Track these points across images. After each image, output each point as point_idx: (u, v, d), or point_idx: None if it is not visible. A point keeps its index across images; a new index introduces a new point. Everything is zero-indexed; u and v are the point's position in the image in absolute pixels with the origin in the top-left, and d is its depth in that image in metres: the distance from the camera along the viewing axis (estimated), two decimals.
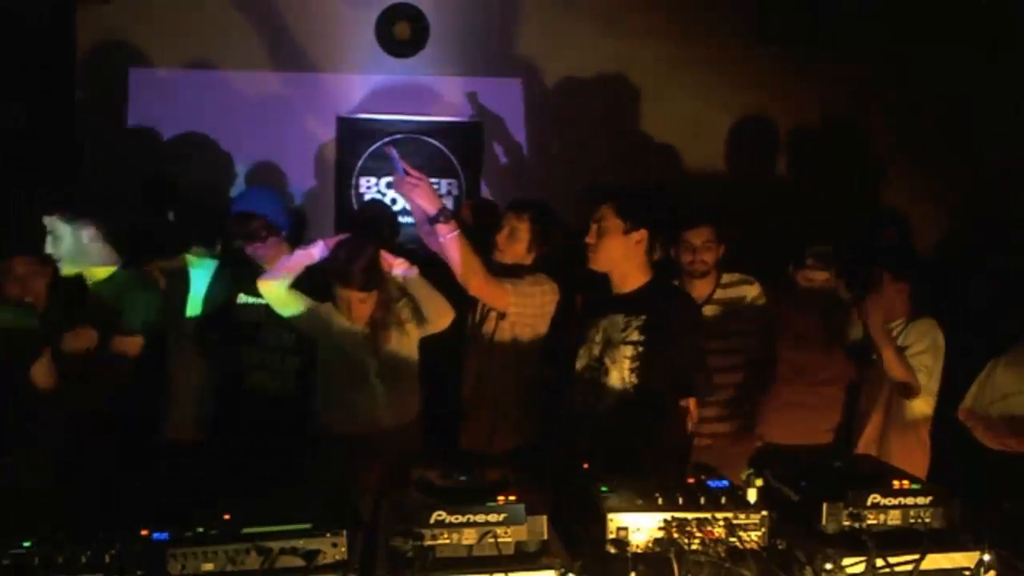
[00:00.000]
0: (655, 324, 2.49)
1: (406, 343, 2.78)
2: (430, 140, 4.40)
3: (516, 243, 2.96)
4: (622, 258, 2.56)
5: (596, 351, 2.56)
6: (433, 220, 2.65)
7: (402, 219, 4.70)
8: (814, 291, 3.40)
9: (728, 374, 3.14)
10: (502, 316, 2.83)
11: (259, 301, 2.89)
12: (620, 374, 2.50)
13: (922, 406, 3.10)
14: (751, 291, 3.21)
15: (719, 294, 3.19)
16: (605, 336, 2.54)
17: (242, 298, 2.96)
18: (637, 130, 4.94)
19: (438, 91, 4.83)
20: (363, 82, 4.78)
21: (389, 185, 4.78)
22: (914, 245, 4.27)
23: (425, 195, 2.63)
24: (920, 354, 3.07)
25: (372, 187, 4.77)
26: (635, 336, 2.49)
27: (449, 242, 2.64)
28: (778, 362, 3.24)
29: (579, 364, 2.61)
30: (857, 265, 3.27)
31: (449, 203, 4.55)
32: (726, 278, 3.22)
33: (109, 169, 4.54)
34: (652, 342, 2.48)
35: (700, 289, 3.18)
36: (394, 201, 4.77)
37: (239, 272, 3.01)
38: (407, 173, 2.63)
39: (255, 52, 4.68)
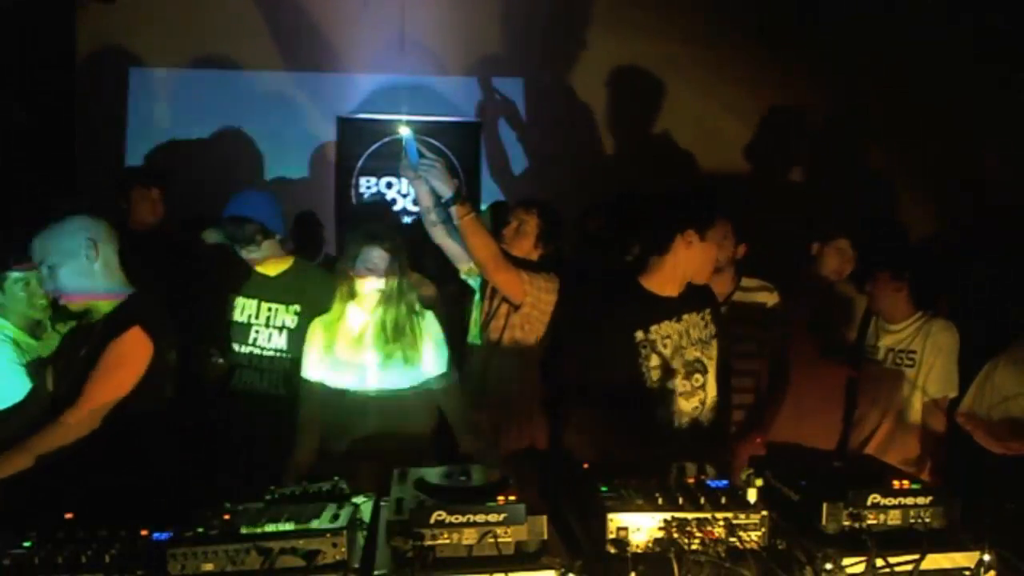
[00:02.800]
0: (716, 311, 2.63)
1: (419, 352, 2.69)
2: (430, 140, 4.40)
3: (523, 238, 2.95)
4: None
5: (691, 355, 2.49)
6: (449, 202, 2.63)
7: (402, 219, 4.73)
8: (817, 286, 3.41)
9: (744, 378, 3.13)
10: (515, 309, 2.80)
11: (250, 301, 2.93)
12: (714, 368, 2.57)
13: (941, 393, 3.06)
14: (770, 298, 3.16)
15: (738, 296, 3.15)
16: (694, 337, 2.51)
17: (237, 300, 2.97)
18: (638, 129, 4.95)
19: (438, 91, 4.83)
20: (363, 82, 4.79)
21: (389, 185, 4.79)
22: (912, 243, 4.27)
23: (441, 176, 2.62)
24: (941, 362, 3.04)
25: (372, 187, 4.78)
26: (713, 329, 2.58)
27: (465, 224, 2.61)
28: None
29: (672, 373, 2.48)
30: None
31: None
32: (746, 282, 3.18)
33: (109, 169, 4.55)
34: (722, 328, 2.63)
35: (718, 287, 3.15)
36: (393, 201, 4.78)
37: (230, 273, 3.01)
38: (422, 156, 2.61)
39: (255, 52, 4.69)
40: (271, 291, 2.97)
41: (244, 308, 2.95)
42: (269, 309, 2.97)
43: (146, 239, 3.51)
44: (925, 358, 3.06)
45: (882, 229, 4.09)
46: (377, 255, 2.57)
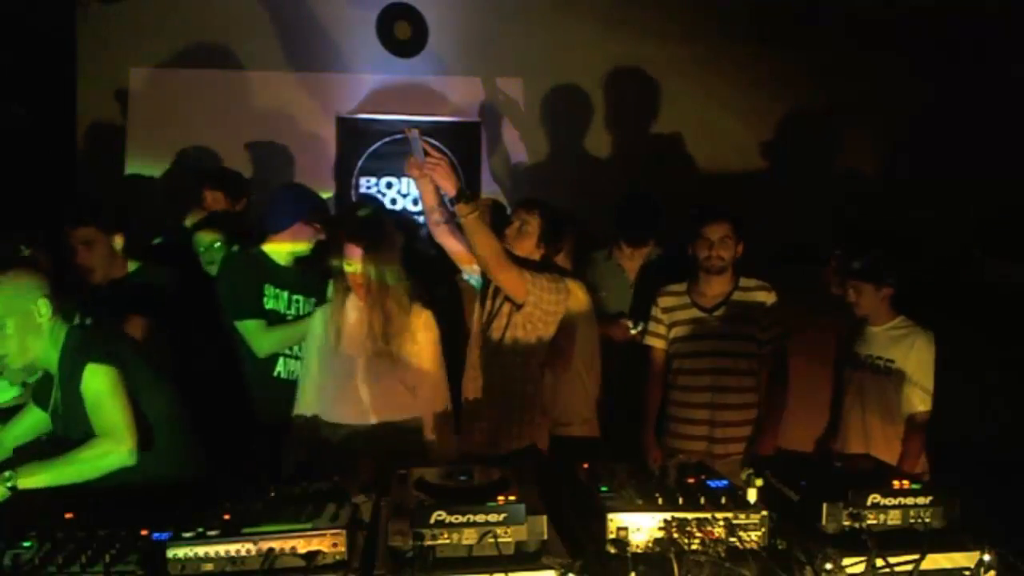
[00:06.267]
0: None
1: (412, 348, 2.70)
2: (430, 140, 4.39)
3: (525, 238, 2.94)
4: None
5: None
6: (453, 201, 2.63)
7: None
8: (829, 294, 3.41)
9: (745, 377, 3.15)
10: (517, 308, 2.81)
11: (283, 292, 3.01)
12: None
13: (922, 407, 3.08)
14: (769, 298, 3.18)
15: (737, 295, 3.17)
16: None
17: (270, 289, 3.02)
18: (638, 129, 4.95)
19: (438, 91, 4.84)
20: (363, 82, 4.79)
21: (389, 185, 4.78)
22: (898, 244, 4.25)
23: (446, 175, 2.62)
24: (923, 376, 3.05)
25: (372, 187, 4.78)
26: None
27: (468, 223, 2.60)
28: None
29: None
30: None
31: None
32: (744, 282, 3.20)
33: (109, 170, 4.56)
34: None
35: (717, 287, 3.18)
36: (393, 201, 4.78)
37: (261, 263, 3.04)
38: (426, 154, 2.62)
39: (255, 52, 4.69)
40: (294, 282, 3.06)
41: (279, 298, 3.00)
42: (296, 300, 3.06)
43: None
44: (905, 369, 3.06)
45: (866, 232, 4.08)
46: (355, 252, 2.60)
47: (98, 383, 2.18)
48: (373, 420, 2.65)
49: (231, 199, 3.87)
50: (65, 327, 2.27)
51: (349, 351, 2.65)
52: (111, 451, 2.14)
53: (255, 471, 2.54)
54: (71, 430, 2.25)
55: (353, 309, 2.69)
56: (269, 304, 2.99)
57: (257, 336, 2.94)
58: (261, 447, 2.87)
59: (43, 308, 2.21)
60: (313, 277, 3.06)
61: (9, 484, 2.07)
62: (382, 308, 2.61)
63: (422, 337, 2.69)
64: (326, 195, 4.76)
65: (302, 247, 3.06)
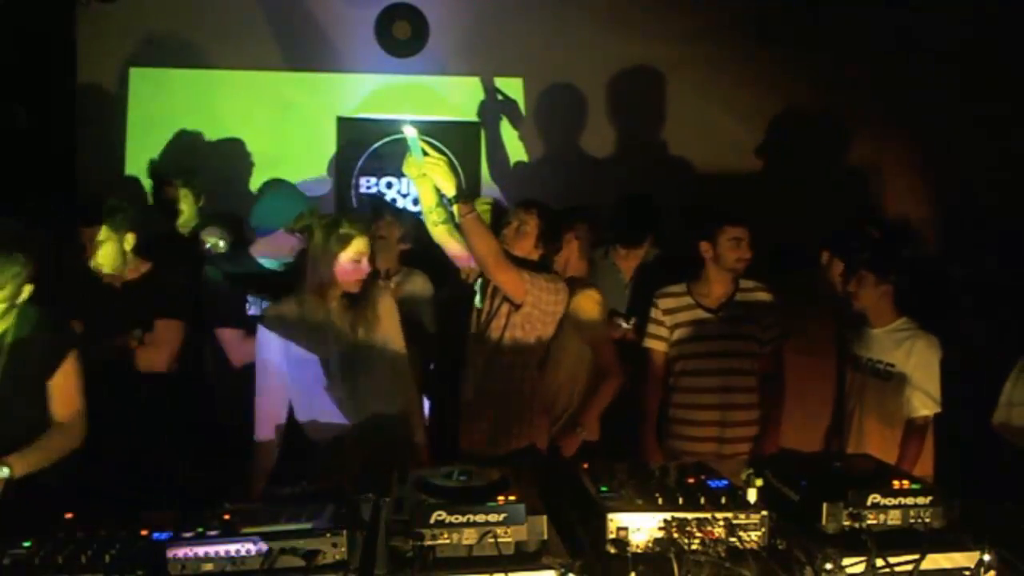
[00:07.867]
0: None
1: (383, 336, 2.67)
2: (430, 140, 4.40)
3: (523, 238, 2.94)
4: None
5: None
6: (451, 201, 2.65)
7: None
8: (824, 293, 3.42)
9: (748, 377, 3.15)
10: (516, 308, 2.81)
11: (264, 298, 2.99)
12: None
13: (924, 411, 3.07)
14: (768, 298, 3.20)
15: (739, 296, 3.18)
16: None
17: (254, 296, 3.03)
18: (638, 129, 4.94)
19: (438, 91, 4.83)
20: (363, 82, 4.78)
21: (389, 185, 4.78)
22: (903, 243, 4.25)
23: (444, 175, 2.62)
24: (924, 379, 3.04)
25: (372, 187, 4.78)
26: None
27: (467, 223, 2.62)
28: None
29: None
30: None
31: None
32: (744, 283, 3.21)
33: (109, 169, 4.55)
34: None
35: (721, 288, 3.18)
36: (393, 201, 4.78)
37: (247, 268, 3.03)
38: (425, 154, 2.62)
39: (255, 52, 4.69)
40: (280, 285, 3.02)
41: (262, 305, 3.00)
42: None
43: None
44: (905, 372, 3.04)
45: (871, 227, 4.08)
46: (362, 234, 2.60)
47: (75, 370, 2.37)
48: (352, 419, 2.60)
49: (196, 196, 3.88)
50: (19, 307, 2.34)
51: (319, 351, 2.60)
52: (78, 437, 2.35)
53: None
54: (8, 406, 2.31)
55: (319, 309, 2.60)
56: (253, 309, 2.98)
57: (235, 346, 2.95)
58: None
59: (26, 293, 2.29)
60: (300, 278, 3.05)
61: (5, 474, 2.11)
62: (366, 302, 2.61)
63: (387, 324, 2.67)
64: (324, 195, 4.78)
65: (292, 249, 3.05)
